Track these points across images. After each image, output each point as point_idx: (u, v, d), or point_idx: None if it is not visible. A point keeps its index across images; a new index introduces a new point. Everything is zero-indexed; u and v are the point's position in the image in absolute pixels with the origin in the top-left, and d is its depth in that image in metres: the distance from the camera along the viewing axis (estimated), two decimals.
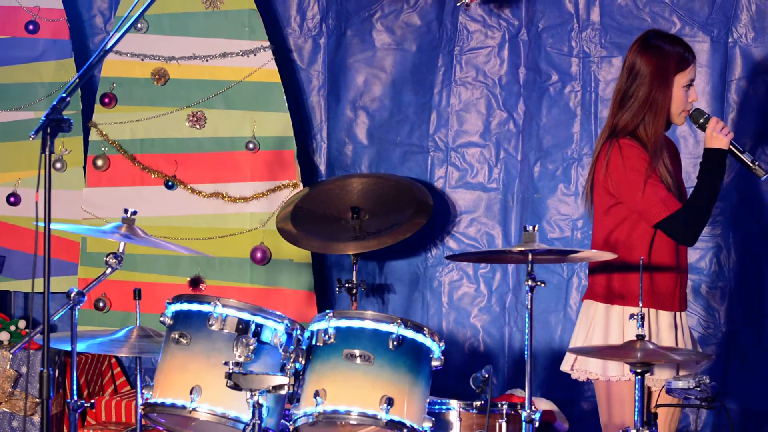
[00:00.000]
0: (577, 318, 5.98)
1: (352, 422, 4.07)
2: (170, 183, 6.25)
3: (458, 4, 6.06)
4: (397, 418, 4.04)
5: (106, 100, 6.29)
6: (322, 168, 6.35)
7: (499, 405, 4.29)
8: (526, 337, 4.20)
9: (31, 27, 6.38)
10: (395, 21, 6.25)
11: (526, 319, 4.22)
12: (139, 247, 5.96)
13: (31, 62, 6.41)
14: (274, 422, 4.17)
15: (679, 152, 4.76)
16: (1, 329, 6.31)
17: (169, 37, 6.28)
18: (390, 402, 4.02)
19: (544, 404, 5.72)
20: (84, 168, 6.35)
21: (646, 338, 4.36)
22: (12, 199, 6.40)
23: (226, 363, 4.03)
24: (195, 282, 6.23)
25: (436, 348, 4.17)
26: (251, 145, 6.18)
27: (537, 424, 4.21)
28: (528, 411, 4.18)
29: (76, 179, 6.35)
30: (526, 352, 4.22)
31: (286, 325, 4.21)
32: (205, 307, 4.21)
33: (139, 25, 6.26)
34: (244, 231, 6.20)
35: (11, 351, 4.54)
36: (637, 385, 4.11)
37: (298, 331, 4.23)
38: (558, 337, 6.09)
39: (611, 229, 4.50)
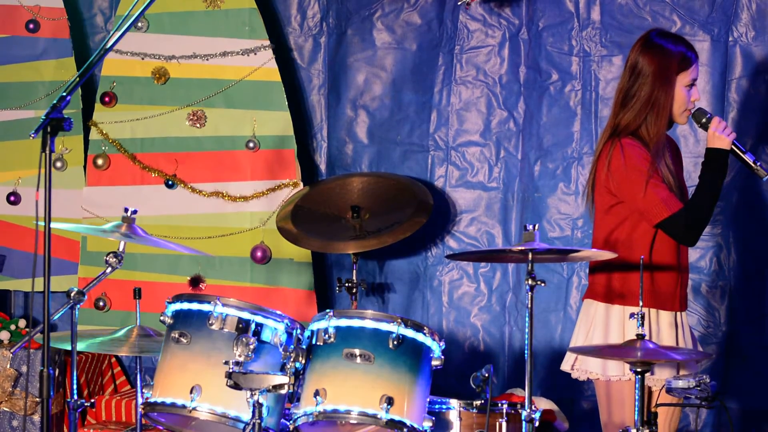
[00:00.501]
0: (577, 317, 5.99)
1: (352, 421, 4.07)
2: (170, 182, 6.25)
3: (459, 3, 6.06)
4: (397, 418, 4.04)
5: (107, 99, 6.30)
6: (323, 167, 6.35)
7: (499, 404, 4.30)
8: (526, 336, 4.20)
9: (31, 26, 6.38)
10: (396, 20, 6.25)
11: (526, 319, 4.22)
12: (140, 246, 5.96)
13: (31, 61, 6.41)
14: (274, 421, 4.17)
15: (680, 151, 4.76)
16: (1, 328, 6.31)
17: (169, 36, 6.28)
18: (390, 401, 4.02)
19: (544, 403, 5.72)
20: (84, 167, 6.35)
21: (647, 338, 4.36)
22: (12, 198, 6.40)
23: (227, 362, 4.03)
24: (195, 281, 6.23)
25: (436, 347, 4.17)
26: (251, 144, 6.18)
27: (537, 424, 4.21)
28: (528, 410, 4.19)
29: (77, 178, 6.36)
30: (526, 352, 4.22)
31: (287, 324, 4.22)
32: (205, 307, 4.21)
33: (139, 24, 6.26)
34: (244, 230, 6.20)
35: (11, 350, 4.54)
36: (636, 385, 4.11)
37: (299, 331, 4.23)
38: (558, 336, 6.09)
39: (612, 229, 4.50)
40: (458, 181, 6.22)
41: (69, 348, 4.35)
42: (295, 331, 4.23)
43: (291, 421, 4.16)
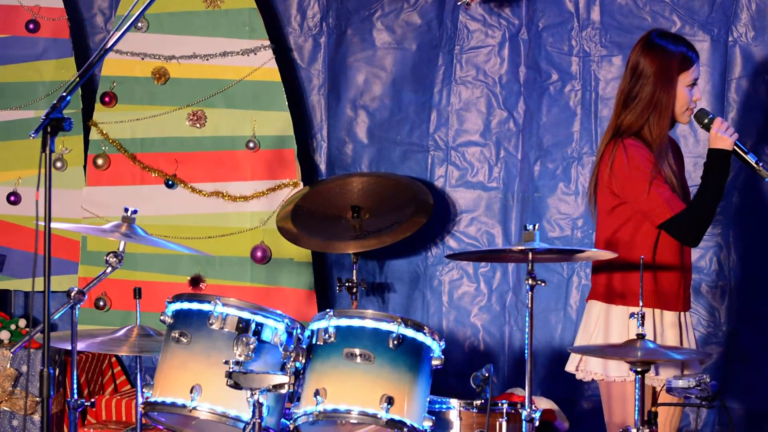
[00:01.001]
0: (577, 317, 5.99)
1: (352, 421, 4.07)
2: (170, 182, 6.25)
3: (458, 3, 6.06)
4: (397, 417, 4.04)
5: (107, 99, 6.30)
6: (323, 167, 6.35)
7: (500, 404, 4.30)
8: (526, 336, 4.20)
9: (31, 26, 6.38)
10: (395, 20, 6.26)
11: (527, 318, 4.22)
12: (140, 246, 5.96)
13: (31, 61, 6.41)
14: (274, 421, 4.17)
15: (682, 152, 4.76)
16: (1, 328, 6.31)
17: (169, 36, 6.28)
18: (390, 401, 4.02)
19: (544, 403, 5.72)
20: (84, 167, 6.35)
21: (651, 339, 4.37)
22: (12, 198, 6.40)
23: (227, 362, 4.03)
24: (195, 281, 6.24)
25: (436, 347, 4.17)
26: (251, 144, 6.19)
27: (537, 423, 4.21)
28: (528, 410, 4.19)
29: (77, 178, 6.36)
30: (526, 351, 4.22)
31: (287, 324, 4.22)
32: (205, 306, 4.22)
33: (139, 24, 6.26)
34: (244, 230, 6.20)
35: (11, 350, 4.54)
36: (637, 385, 4.11)
37: (299, 330, 4.24)
38: (558, 336, 6.09)
39: (615, 230, 4.50)
40: (458, 181, 6.22)
41: (69, 347, 4.35)
42: (295, 330, 4.23)
43: (291, 421, 4.16)
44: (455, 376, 5.90)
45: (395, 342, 4.08)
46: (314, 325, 4.19)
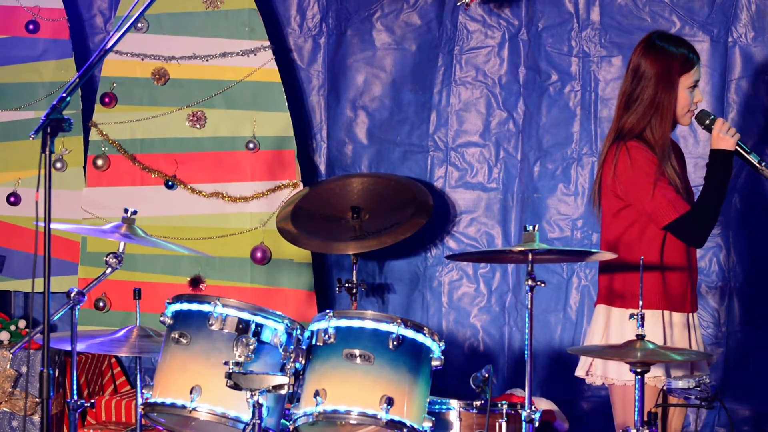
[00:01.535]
0: (577, 318, 5.98)
1: (352, 422, 4.07)
2: (170, 183, 6.25)
3: (458, 4, 6.06)
4: (397, 418, 4.04)
5: (107, 99, 6.30)
6: (322, 168, 6.35)
7: (499, 405, 4.30)
8: (526, 336, 4.20)
9: (31, 27, 6.38)
10: (395, 20, 6.26)
11: (526, 319, 4.22)
12: (139, 246, 5.96)
13: (31, 62, 6.41)
14: (274, 422, 4.17)
15: (683, 153, 4.75)
16: (1, 329, 6.31)
17: (169, 36, 6.28)
18: (390, 402, 4.02)
19: (543, 404, 5.72)
20: (84, 168, 6.35)
21: (661, 341, 4.36)
22: (12, 199, 6.40)
23: (226, 363, 4.03)
24: (195, 282, 6.24)
25: (436, 348, 4.17)
26: (251, 145, 6.19)
27: (537, 424, 4.21)
28: (528, 410, 4.19)
29: (77, 179, 6.36)
30: (526, 352, 4.22)
31: (286, 324, 4.21)
32: (205, 307, 4.21)
33: (139, 25, 6.26)
34: (244, 231, 6.20)
35: (11, 351, 4.54)
36: (637, 385, 4.11)
37: (298, 331, 4.23)
38: (558, 336, 6.09)
39: (621, 232, 4.49)
40: (458, 181, 6.22)
41: (69, 348, 4.35)
42: (295, 331, 4.23)
43: (291, 422, 4.16)
44: (455, 376, 5.90)
45: (395, 343, 4.08)
46: (314, 326, 4.19)
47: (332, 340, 4.11)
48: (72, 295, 4.33)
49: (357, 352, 4.08)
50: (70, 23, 6.39)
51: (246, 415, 4.08)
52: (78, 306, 4.34)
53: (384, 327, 4.11)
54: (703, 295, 5.95)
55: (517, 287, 6.14)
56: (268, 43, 6.19)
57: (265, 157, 6.20)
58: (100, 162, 6.29)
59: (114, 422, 6.12)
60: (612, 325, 4.49)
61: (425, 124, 6.26)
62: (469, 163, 6.22)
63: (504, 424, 4.27)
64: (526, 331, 4.20)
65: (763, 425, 5.94)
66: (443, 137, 6.24)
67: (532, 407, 4.19)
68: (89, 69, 4.06)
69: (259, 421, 4.01)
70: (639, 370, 4.10)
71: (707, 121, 4.51)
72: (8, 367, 6.06)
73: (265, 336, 4.18)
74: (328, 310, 4.18)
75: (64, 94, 3.94)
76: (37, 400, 6.04)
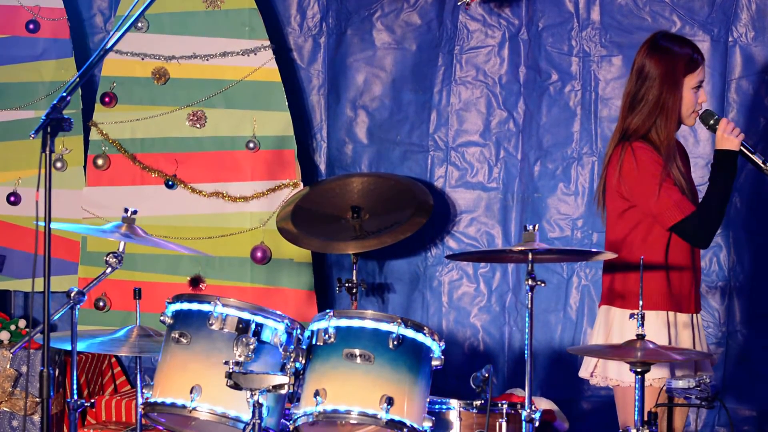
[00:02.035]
0: (577, 318, 5.98)
1: (352, 422, 4.07)
2: (170, 182, 6.25)
3: (458, 3, 6.06)
4: (397, 418, 4.04)
5: (107, 99, 6.30)
6: (323, 167, 6.35)
7: (499, 404, 4.29)
8: (526, 336, 4.20)
9: (31, 26, 6.38)
10: (395, 20, 6.25)
11: (526, 319, 4.22)
12: (140, 246, 5.96)
13: (31, 61, 6.41)
14: (274, 422, 4.17)
15: (688, 153, 4.74)
16: (1, 329, 6.31)
17: (169, 36, 6.28)
18: (390, 401, 4.02)
19: (544, 403, 5.72)
20: (84, 167, 6.35)
21: (666, 342, 4.36)
22: (12, 199, 6.40)
23: (227, 362, 4.03)
24: (195, 281, 6.24)
25: (436, 347, 4.17)
26: (251, 145, 6.19)
27: (537, 424, 4.21)
28: (528, 410, 4.18)
29: (77, 178, 6.36)
30: (526, 352, 4.22)
31: (287, 324, 4.21)
32: (205, 307, 4.21)
33: (139, 24, 6.26)
34: (244, 230, 6.20)
35: (11, 350, 4.54)
36: (637, 385, 4.11)
37: (299, 331, 4.23)
38: (558, 336, 6.09)
39: (626, 233, 4.49)
40: (458, 181, 6.22)
41: (69, 348, 4.35)
42: (295, 331, 4.23)
43: (291, 422, 4.16)
44: (455, 376, 5.90)
45: (395, 342, 4.08)
46: (314, 326, 4.19)
47: (332, 339, 4.11)
48: (72, 294, 4.33)
49: (357, 351, 4.08)
50: (70, 23, 6.39)
51: (246, 415, 4.08)
52: (78, 306, 4.34)
53: (384, 327, 4.11)
54: (703, 295, 5.95)
55: (517, 287, 6.14)
56: (268, 43, 6.19)
57: (265, 156, 6.20)
58: (100, 161, 6.29)
59: (114, 422, 6.12)
60: (614, 325, 4.49)
61: (425, 124, 6.26)
62: (470, 163, 6.22)
63: (504, 424, 4.27)
64: (526, 330, 4.20)
65: (764, 425, 5.93)
66: (443, 137, 6.24)
67: (532, 407, 4.19)
68: (89, 68, 4.06)
69: (259, 421, 4.02)
70: (639, 370, 4.10)
71: (711, 121, 4.51)
72: (8, 366, 6.06)
73: (265, 336, 4.18)
74: (328, 310, 4.18)
75: (65, 94, 3.94)
76: (37, 399, 6.04)
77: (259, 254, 6.16)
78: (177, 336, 4.20)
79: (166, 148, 6.28)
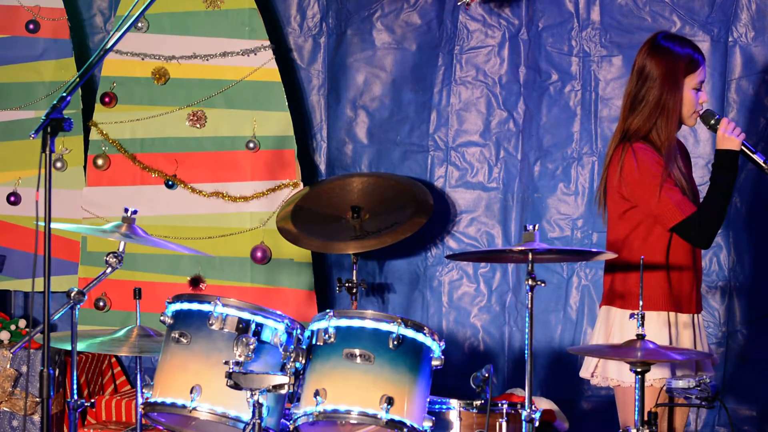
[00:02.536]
0: (577, 317, 5.98)
1: (352, 421, 4.07)
2: (170, 182, 6.25)
3: (458, 3, 6.06)
4: (397, 418, 4.04)
5: (107, 99, 6.30)
6: (322, 167, 6.35)
7: (499, 404, 4.30)
8: (526, 336, 4.20)
9: (31, 26, 6.38)
10: (395, 20, 6.26)
11: (526, 319, 4.22)
12: (140, 246, 5.96)
13: (31, 61, 6.41)
14: (274, 421, 4.17)
15: (689, 154, 4.74)
16: (1, 328, 6.31)
17: (169, 36, 6.28)
18: (390, 401, 4.02)
19: (544, 403, 5.72)
20: (84, 167, 6.35)
21: (667, 342, 4.36)
22: (12, 199, 6.40)
23: (227, 362, 4.03)
24: (195, 281, 6.24)
25: (436, 347, 4.17)
26: (251, 145, 6.19)
27: (537, 424, 4.21)
28: (528, 410, 4.19)
29: (77, 178, 6.36)
30: (526, 352, 4.22)
31: (287, 324, 4.22)
32: (205, 307, 4.22)
33: (139, 25, 6.26)
34: (244, 230, 6.20)
35: (11, 350, 4.54)
36: (636, 385, 4.11)
37: (299, 331, 4.24)
38: (558, 336, 6.09)
39: (627, 233, 4.49)
40: (458, 181, 6.22)
41: (69, 348, 4.35)
42: (295, 331, 4.23)
43: (291, 421, 4.16)
44: (455, 376, 5.89)
45: (395, 342, 4.08)
46: (314, 326, 4.19)
47: (332, 339, 4.11)
48: (72, 294, 4.33)
49: (357, 351, 4.08)
50: (70, 23, 6.39)
51: (246, 415, 4.09)
52: (78, 305, 4.34)
53: (384, 327, 4.11)
54: (703, 295, 5.94)
55: (518, 287, 6.14)
56: (268, 43, 6.19)
57: (265, 156, 6.20)
58: (100, 161, 6.29)
59: (114, 422, 6.12)
60: (614, 326, 4.49)
61: (425, 124, 6.26)
62: (470, 163, 6.22)
63: (504, 424, 4.27)
64: (526, 330, 4.20)
65: (764, 425, 5.94)
66: (443, 137, 6.24)
67: (532, 407, 4.20)
68: (89, 68, 4.06)
69: (259, 421, 4.02)
70: (639, 370, 4.10)
71: (712, 121, 4.51)
72: (8, 366, 6.06)
73: (266, 335, 4.19)
74: (328, 310, 4.19)
75: (65, 94, 3.94)
76: (38, 399, 6.04)
77: (259, 254, 6.16)
78: (177, 336, 4.20)
79: (166, 148, 6.28)
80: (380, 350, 4.08)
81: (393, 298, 6.26)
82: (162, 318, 4.27)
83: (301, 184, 6.18)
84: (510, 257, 4.62)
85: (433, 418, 4.13)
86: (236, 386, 3.99)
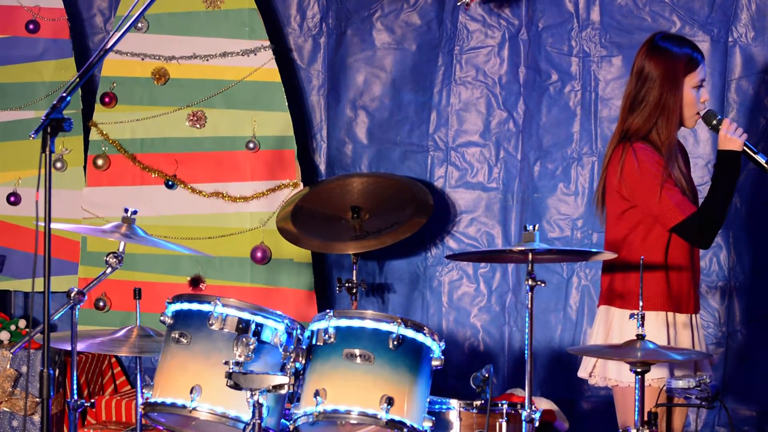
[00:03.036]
0: (577, 317, 5.98)
1: (352, 422, 4.07)
2: (170, 182, 6.25)
3: (458, 4, 6.06)
4: (397, 418, 4.04)
5: (107, 99, 6.30)
6: (322, 167, 6.35)
7: (499, 404, 4.30)
8: (526, 336, 4.20)
9: (31, 26, 6.38)
10: (395, 20, 6.26)
11: (526, 319, 4.22)
12: (140, 246, 5.96)
13: (31, 61, 6.41)
14: (274, 422, 4.17)
15: (688, 154, 4.74)
16: (1, 329, 6.31)
17: (169, 36, 6.28)
18: (390, 401, 4.02)
19: (544, 403, 5.72)
20: (84, 167, 6.35)
21: (665, 342, 4.36)
22: (12, 199, 6.40)
23: (227, 362, 4.03)
24: (195, 281, 6.24)
25: (436, 347, 4.17)
26: (251, 145, 6.19)
27: (537, 424, 4.21)
28: (528, 410, 4.19)
29: (77, 179, 6.36)
30: (526, 352, 4.22)
31: (287, 324, 4.22)
32: (205, 307, 4.21)
33: (139, 25, 6.26)
34: (244, 230, 6.20)
35: (11, 350, 4.54)
36: (636, 385, 4.11)
37: (299, 331, 4.24)
38: (558, 336, 6.09)
39: (626, 233, 4.49)
40: (458, 181, 6.22)
41: (69, 348, 4.35)
42: (295, 331, 4.23)
43: (291, 422, 4.16)
44: (455, 376, 5.90)
45: (395, 342, 4.08)
46: (314, 326, 4.19)
47: (332, 339, 4.11)
48: (72, 294, 4.33)
49: (357, 351, 4.08)
50: (70, 23, 6.39)
51: (246, 415, 4.09)
52: (78, 306, 4.34)
53: (384, 327, 4.11)
54: (703, 295, 5.95)
55: (517, 287, 6.14)
56: (268, 43, 6.19)
57: (265, 156, 6.20)
58: (100, 162, 6.29)
59: (114, 422, 6.12)
60: (613, 325, 4.49)
61: (425, 124, 6.26)
62: (469, 163, 6.22)
63: (504, 424, 4.27)
64: (526, 330, 4.20)
65: (764, 425, 5.94)
66: (443, 137, 6.24)
67: (532, 407, 4.19)
68: (89, 69, 4.06)
69: (259, 421, 4.02)
70: (639, 370, 4.10)
71: (714, 122, 4.50)
72: (8, 366, 6.06)
73: (266, 336, 4.18)
74: (328, 310, 4.18)
75: (65, 94, 3.94)
76: (38, 399, 6.04)
77: (259, 254, 6.16)
78: (177, 336, 4.20)
79: (166, 149, 6.28)
80: (380, 350, 4.08)
81: (393, 298, 6.26)
82: (162, 318, 4.27)
83: (301, 185, 6.18)
84: (510, 257, 4.62)
85: (433, 418, 4.12)
86: (236, 386, 3.99)
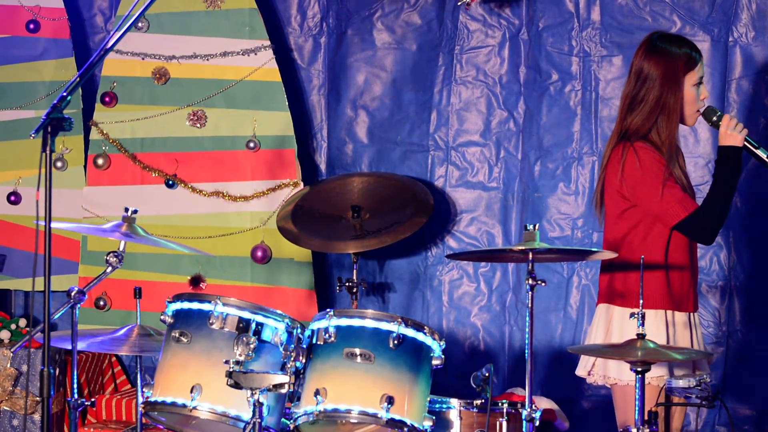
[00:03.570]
0: (577, 317, 5.98)
1: (352, 421, 4.07)
2: (171, 182, 6.25)
3: (459, 3, 6.06)
4: (397, 417, 4.04)
5: (107, 99, 6.30)
6: (323, 167, 6.35)
7: (500, 404, 4.30)
8: (527, 335, 4.20)
9: (31, 26, 6.38)
10: (396, 20, 6.26)
11: (527, 318, 4.22)
12: (140, 245, 5.97)
13: (31, 61, 6.41)
14: (274, 421, 4.17)
15: (682, 152, 4.75)
16: (1, 328, 6.31)
17: (169, 36, 6.28)
18: (390, 401, 4.02)
19: (544, 403, 5.72)
20: (85, 167, 6.36)
21: (664, 341, 4.36)
22: (13, 198, 6.41)
23: (227, 361, 4.03)
24: (195, 281, 6.24)
25: (436, 347, 4.17)
26: (252, 144, 6.19)
27: (537, 423, 4.21)
28: (528, 410, 4.19)
29: (77, 178, 6.36)
30: (526, 351, 4.22)
31: (287, 323, 4.21)
32: (205, 306, 4.21)
33: (139, 24, 6.26)
34: (244, 230, 6.20)
35: (12, 349, 4.55)
36: (637, 385, 4.11)
37: (299, 330, 4.24)
38: (558, 336, 6.09)
39: (626, 232, 4.49)
40: (458, 181, 6.23)
41: (69, 347, 4.35)
42: (295, 330, 4.23)
43: (291, 421, 4.16)
44: (455, 375, 5.90)
45: (395, 342, 4.08)
46: (314, 325, 4.19)
47: (333, 339, 4.11)
48: (72, 293, 4.33)
49: (357, 351, 4.08)
50: (71, 22, 6.39)
51: (246, 414, 4.08)
52: (78, 305, 4.34)
53: (384, 326, 4.11)
54: (703, 295, 5.95)
55: (518, 286, 6.14)
56: (268, 43, 6.19)
57: (266, 156, 6.20)
58: (100, 161, 6.30)
59: (114, 421, 6.12)
60: (613, 324, 4.49)
61: (426, 124, 6.26)
62: (470, 163, 6.22)
63: (504, 423, 4.27)
64: (527, 330, 4.20)
65: (764, 425, 5.94)
66: (444, 137, 6.24)
67: (533, 406, 4.19)
68: (90, 68, 4.06)
69: (259, 420, 4.02)
70: (639, 369, 4.10)
71: (714, 118, 4.51)
72: (9, 365, 6.06)
73: (266, 335, 4.18)
74: (328, 309, 4.19)
75: (65, 94, 3.94)
76: (38, 398, 6.05)
77: (259, 254, 6.16)
78: (177, 335, 4.20)
79: (167, 148, 6.29)
80: (380, 349, 4.08)
81: (393, 297, 6.26)
82: (162, 317, 4.27)
83: (302, 184, 6.18)
84: (510, 257, 4.62)
85: (434, 418, 4.12)
86: (236, 385, 3.99)
